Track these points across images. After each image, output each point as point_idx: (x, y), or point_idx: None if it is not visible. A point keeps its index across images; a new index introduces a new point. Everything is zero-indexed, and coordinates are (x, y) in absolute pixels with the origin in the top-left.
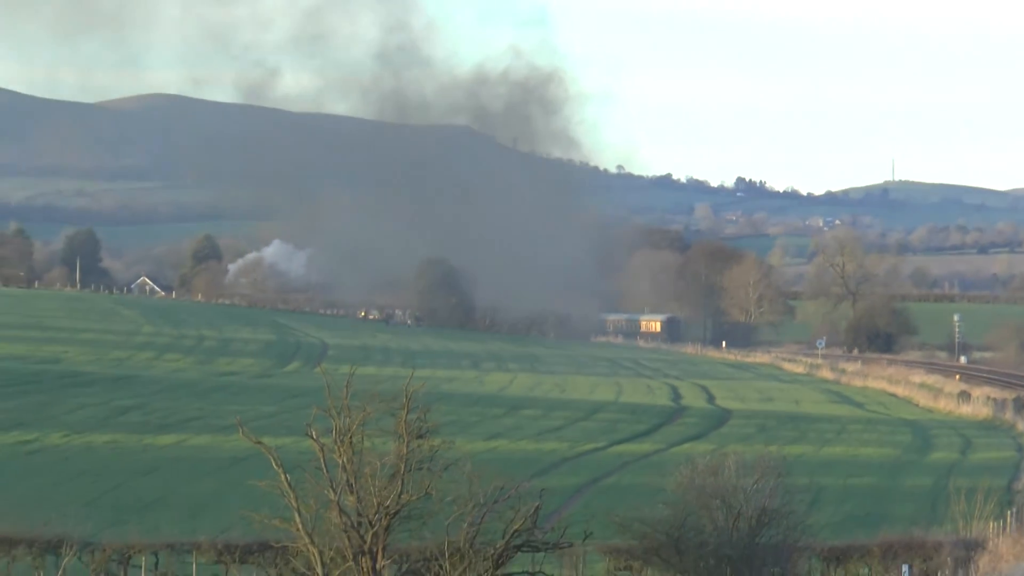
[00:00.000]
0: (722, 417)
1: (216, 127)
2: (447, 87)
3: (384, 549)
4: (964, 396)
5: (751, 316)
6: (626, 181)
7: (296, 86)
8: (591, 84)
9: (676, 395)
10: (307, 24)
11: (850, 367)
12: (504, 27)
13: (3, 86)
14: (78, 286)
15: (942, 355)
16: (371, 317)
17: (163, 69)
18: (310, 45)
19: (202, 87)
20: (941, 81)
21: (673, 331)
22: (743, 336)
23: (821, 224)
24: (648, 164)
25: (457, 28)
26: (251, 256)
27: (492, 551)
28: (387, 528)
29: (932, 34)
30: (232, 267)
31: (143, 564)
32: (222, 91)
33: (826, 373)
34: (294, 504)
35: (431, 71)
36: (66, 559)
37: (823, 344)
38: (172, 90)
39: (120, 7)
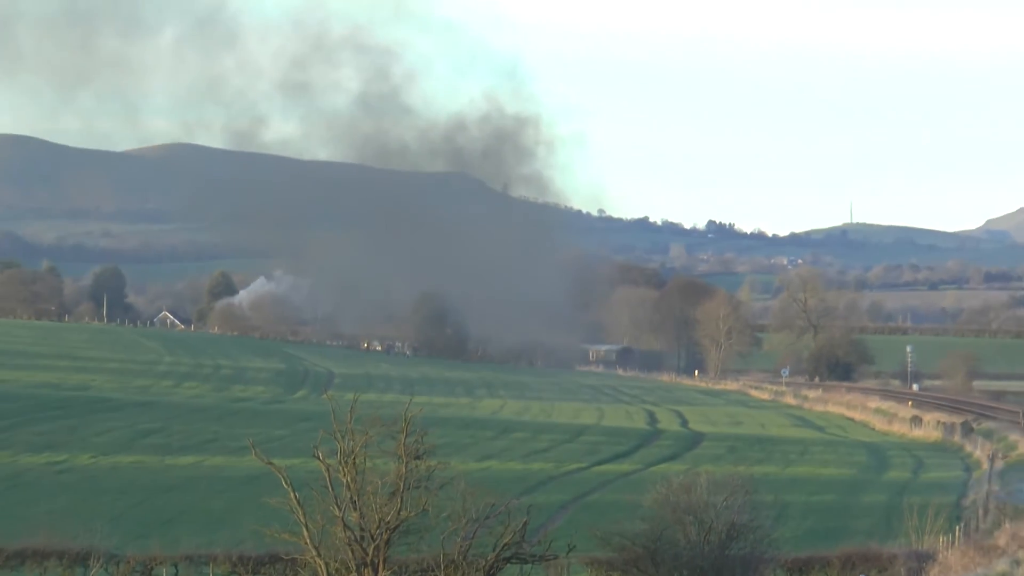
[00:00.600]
0: (695, 440)
1: (229, 173)
2: (427, 134)
3: (385, 561)
4: (916, 420)
5: (721, 347)
6: (607, 223)
7: (294, 133)
8: (572, 132)
9: (653, 419)
10: (292, 74)
11: (812, 394)
12: (482, 76)
13: (38, 136)
14: (105, 320)
15: (896, 383)
16: (373, 348)
17: (180, 120)
18: (298, 95)
19: (197, 133)
20: (896, 133)
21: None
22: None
23: (785, 263)
24: (626, 208)
25: (435, 77)
26: (259, 282)
27: (484, 563)
28: (387, 542)
29: (886, 90)
30: (241, 293)
31: (164, 574)
32: (226, 138)
33: (790, 399)
34: (302, 520)
35: (412, 119)
36: (93, 570)
37: (787, 372)
38: (191, 140)
39: (123, 63)
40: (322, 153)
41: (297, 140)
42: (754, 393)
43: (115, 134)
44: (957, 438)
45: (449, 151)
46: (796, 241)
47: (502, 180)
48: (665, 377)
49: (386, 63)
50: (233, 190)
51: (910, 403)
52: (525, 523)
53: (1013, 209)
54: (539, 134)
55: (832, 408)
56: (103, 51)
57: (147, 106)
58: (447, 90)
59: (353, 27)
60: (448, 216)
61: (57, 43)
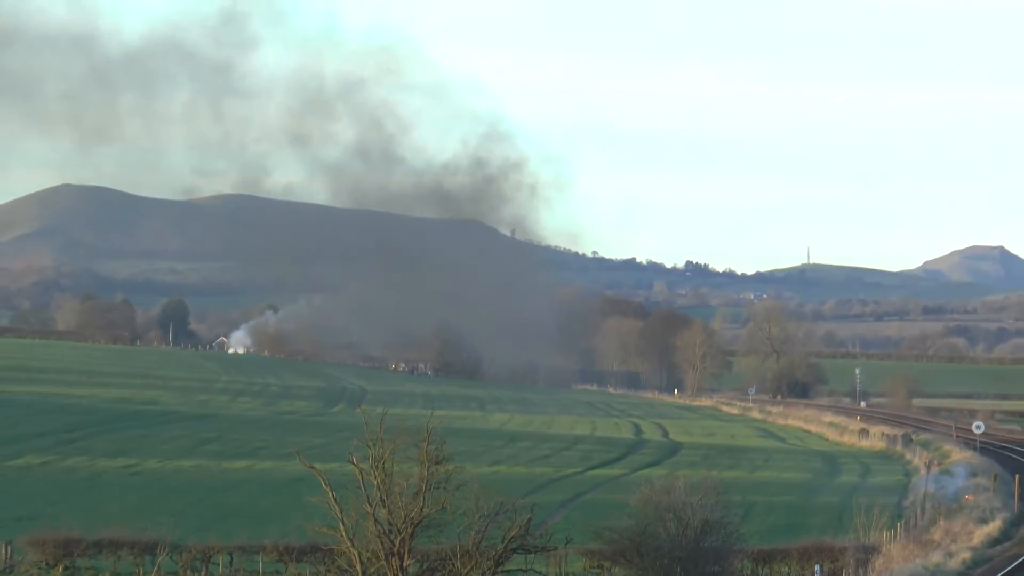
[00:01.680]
0: (674, 448)
1: (273, 219)
2: (420, 180)
3: (409, 551)
4: (864, 432)
5: (697, 369)
6: (599, 263)
7: (298, 180)
8: (558, 179)
9: (638, 431)
10: (294, 127)
11: (775, 409)
12: (468, 128)
13: (112, 187)
14: (171, 344)
15: (846, 400)
16: (400, 368)
17: (197, 170)
18: (301, 147)
19: (212, 182)
20: (847, 187)
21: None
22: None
23: (752, 297)
24: (616, 249)
25: (425, 128)
26: (298, 305)
27: (494, 553)
28: (412, 534)
29: (838, 150)
30: (281, 312)
31: (220, 562)
32: (237, 186)
33: (756, 414)
34: (339, 515)
35: (405, 167)
36: (160, 558)
37: (754, 391)
38: (241, 191)
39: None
40: (322, 197)
41: (302, 186)
42: (725, 409)
43: (158, 184)
44: (899, 447)
45: (440, 197)
46: (761, 279)
47: (495, 223)
48: (649, 395)
49: (379, 117)
50: (277, 233)
51: (858, 418)
52: (529, 519)
53: (947, 252)
54: (524, 179)
55: (792, 422)
56: (125, 110)
57: (170, 159)
58: (437, 140)
59: (347, 85)
60: (462, 257)
61: (84, 103)
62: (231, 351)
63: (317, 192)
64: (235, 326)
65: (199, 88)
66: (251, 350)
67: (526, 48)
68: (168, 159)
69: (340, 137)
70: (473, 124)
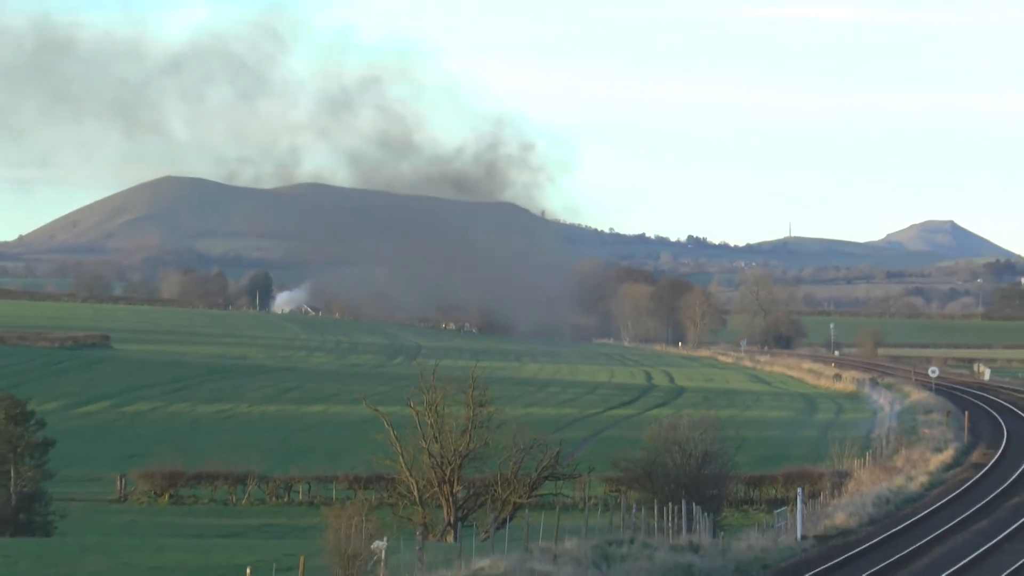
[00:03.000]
0: (679, 392)
1: (339, 204)
2: (438, 165)
3: (458, 479)
4: (837, 377)
5: (697, 325)
6: (615, 238)
7: (331, 165)
8: (568, 161)
9: (649, 377)
10: (321, 120)
11: (763, 358)
12: (480, 118)
13: (207, 178)
14: (257, 308)
15: (823, 350)
16: (449, 327)
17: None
18: (326, 137)
19: (249, 169)
20: (822, 170)
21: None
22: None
23: (743, 265)
24: (629, 225)
25: (442, 117)
26: (351, 274)
27: (529, 480)
28: (460, 465)
29: (814, 139)
30: (337, 280)
31: (300, 490)
32: (274, 174)
33: (747, 362)
34: (399, 450)
35: (425, 153)
36: (250, 487)
37: (745, 344)
38: (315, 180)
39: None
40: (351, 183)
41: (331, 173)
42: (721, 358)
43: (207, 171)
44: (867, 390)
45: (458, 179)
46: (751, 250)
47: (512, 201)
48: (658, 347)
49: (397, 111)
50: (339, 215)
51: (833, 364)
52: (558, 452)
53: (906, 226)
54: (534, 161)
55: (777, 368)
56: (174, 110)
57: (215, 150)
58: (451, 130)
59: (365, 84)
60: (498, 233)
61: (140, 102)
62: (279, 311)
63: (343, 178)
64: (312, 294)
65: (237, 88)
66: (304, 309)
67: (533, 54)
68: (213, 150)
69: (363, 129)
70: (483, 117)
